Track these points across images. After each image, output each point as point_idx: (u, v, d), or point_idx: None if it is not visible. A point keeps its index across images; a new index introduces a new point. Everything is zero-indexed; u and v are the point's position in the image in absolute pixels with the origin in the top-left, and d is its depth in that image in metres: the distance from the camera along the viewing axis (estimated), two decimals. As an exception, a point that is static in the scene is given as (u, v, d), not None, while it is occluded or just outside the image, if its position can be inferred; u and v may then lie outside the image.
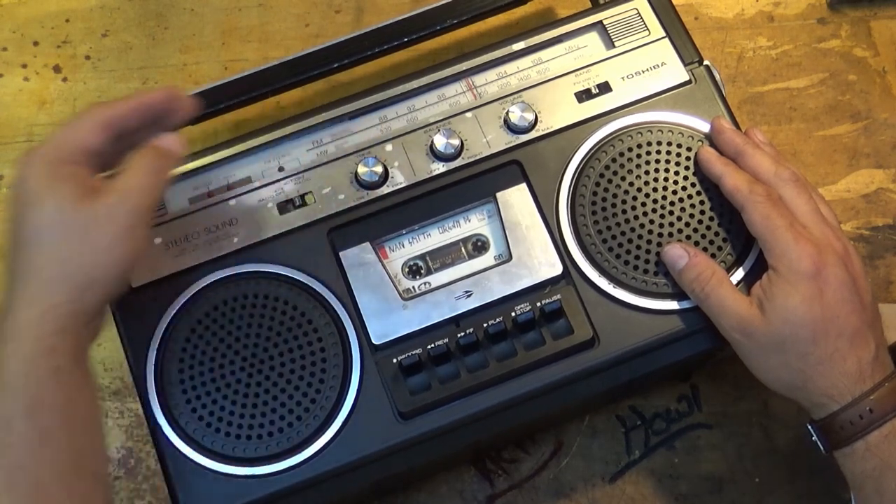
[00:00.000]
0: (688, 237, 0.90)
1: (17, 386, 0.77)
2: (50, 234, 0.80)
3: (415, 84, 0.97)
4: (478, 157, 0.94)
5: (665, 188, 0.91)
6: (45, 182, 0.80)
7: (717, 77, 0.96)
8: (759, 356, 0.86)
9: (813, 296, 0.83)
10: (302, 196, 0.94)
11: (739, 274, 0.89)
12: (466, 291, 0.90)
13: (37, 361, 0.78)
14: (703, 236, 0.90)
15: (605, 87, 0.96)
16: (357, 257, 0.91)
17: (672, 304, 0.89)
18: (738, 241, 0.90)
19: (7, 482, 0.75)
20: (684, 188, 0.91)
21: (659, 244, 0.90)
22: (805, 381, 0.84)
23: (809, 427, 0.87)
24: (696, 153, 0.92)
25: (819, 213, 0.87)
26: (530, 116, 0.94)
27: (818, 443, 0.86)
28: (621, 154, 0.93)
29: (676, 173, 0.92)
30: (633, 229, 0.90)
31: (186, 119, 0.88)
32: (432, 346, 0.88)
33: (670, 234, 0.90)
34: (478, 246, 0.93)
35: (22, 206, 0.81)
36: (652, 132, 0.93)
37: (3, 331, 0.78)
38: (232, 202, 0.94)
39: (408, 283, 0.91)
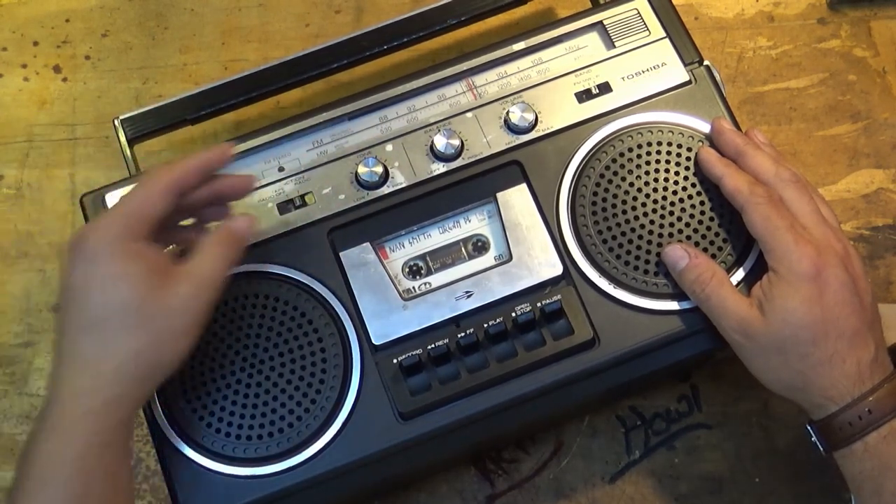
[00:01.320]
0: (688, 237, 0.90)
1: (66, 478, 0.76)
2: (120, 323, 0.78)
3: (415, 84, 0.97)
4: (478, 158, 0.94)
5: (665, 188, 0.91)
6: (116, 264, 0.78)
7: (718, 77, 0.96)
8: (760, 357, 0.86)
9: (813, 297, 0.83)
10: (302, 196, 0.94)
11: (740, 274, 0.89)
12: (467, 292, 0.90)
13: (91, 456, 0.77)
14: (704, 237, 0.90)
15: (605, 88, 0.96)
16: (357, 257, 0.91)
17: (672, 305, 0.89)
18: (739, 241, 0.90)
19: None
20: (684, 188, 0.91)
21: (659, 244, 0.90)
22: (805, 383, 0.84)
23: (809, 428, 0.87)
24: (696, 154, 0.92)
25: (819, 214, 0.87)
26: (530, 117, 0.94)
27: (817, 443, 0.86)
28: (621, 154, 0.93)
29: (677, 174, 0.92)
30: (633, 229, 0.90)
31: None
32: (432, 346, 0.88)
33: (670, 235, 0.90)
34: (478, 246, 0.93)
35: (87, 289, 0.78)
36: (652, 132, 0.93)
37: (52, 415, 0.77)
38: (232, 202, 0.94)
39: (408, 284, 0.91)
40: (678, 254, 0.88)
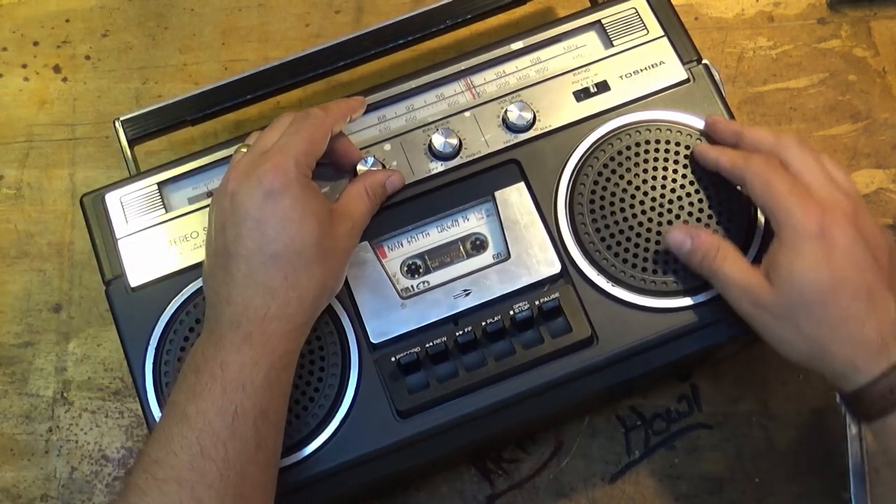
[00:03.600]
0: (686, 235, 0.90)
1: (256, 391, 0.79)
2: (306, 257, 0.82)
3: (413, 84, 0.97)
4: (476, 156, 0.94)
5: (663, 186, 0.91)
6: (299, 202, 0.83)
7: (716, 76, 0.95)
8: (774, 327, 0.84)
9: (819, 258, 0.81)
10: (301, 195, 0.94)
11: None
12: (465, 290, 0.90)
13: (277, 374, 0.81)
14: (702, 234, 0.90)
15: (603, 86, 0.95)
16: (356, 256, 0.91)
17: (670, 302, 0.89)
18: (738, 237, 0.89)
19: (222, 481, 0.77)
20: (682, 186, 0.91)
21: (657, 242, 0.90)
22: (823, 351, 0.82)
23: (839, 400, 0.84)
24: (692, 150, 0.92)
25: (826, 173, 0.85)
26: (528, 115, 0.94)
27: (848, 415, 0.84)
28: (619, 153, 0.92)
29: (675, 171, 0.92)
30: (631, 227, 0.90)
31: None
32: (431, 344, 0.88)
33: (668, 233, 0.90)
34: (476, 245, 0.92)
35: (270, 222, 0.82)
36: (650, 130, 0.93)
37: (236, 330, 0.80)
38: (231, 202, 0.94)
39: (406, 282, 0.91)
40: (680, 238, 0.88)
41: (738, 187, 0.89)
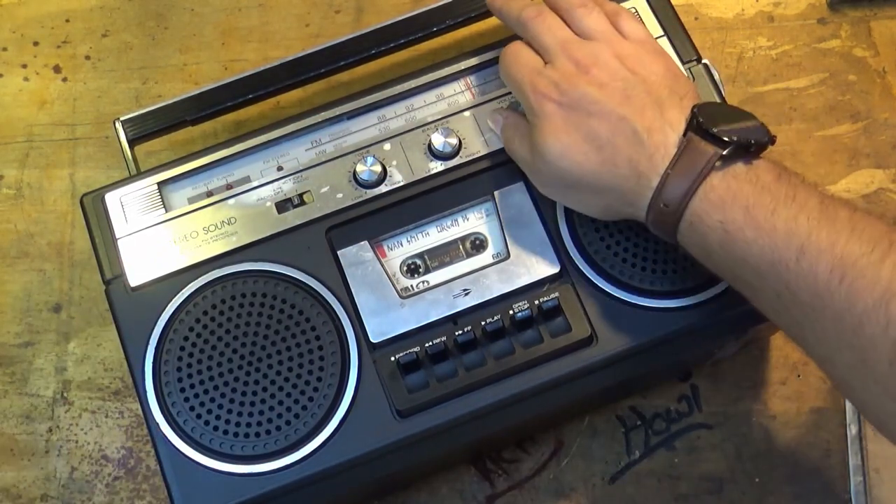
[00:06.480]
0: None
1: None
2: None
3: (413, 83, 0.97)
4: (476, 156, 0.94)
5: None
6: None
7: (716, 76, 0.95)
8: (570, 198, 0.88)
9: (553, 130, 0.84)
10: (300, 195, 0.94)
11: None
12: (464, 289, 0.90)
13: None
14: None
15: (603, 86, 0.95)
16: (355, 256, 0.91)
17: (670, 302, 0.89)
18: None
19: None
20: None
21: (657, 242, 0.90)
22: (608, 205, 0.84)
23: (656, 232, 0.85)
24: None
25: (560, 33, 0.87)
26: (528, 115, 0.94)
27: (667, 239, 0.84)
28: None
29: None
30: (630, 227, 0.90)
31: None
32: (430, 344, 0.88)
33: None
34: (476, 244, 0.92)
35: None
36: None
37: None
38: (231, 201, 0.94)
39: (406, 282, 0.91)
40: (495, 117, 0.93)
41: None
